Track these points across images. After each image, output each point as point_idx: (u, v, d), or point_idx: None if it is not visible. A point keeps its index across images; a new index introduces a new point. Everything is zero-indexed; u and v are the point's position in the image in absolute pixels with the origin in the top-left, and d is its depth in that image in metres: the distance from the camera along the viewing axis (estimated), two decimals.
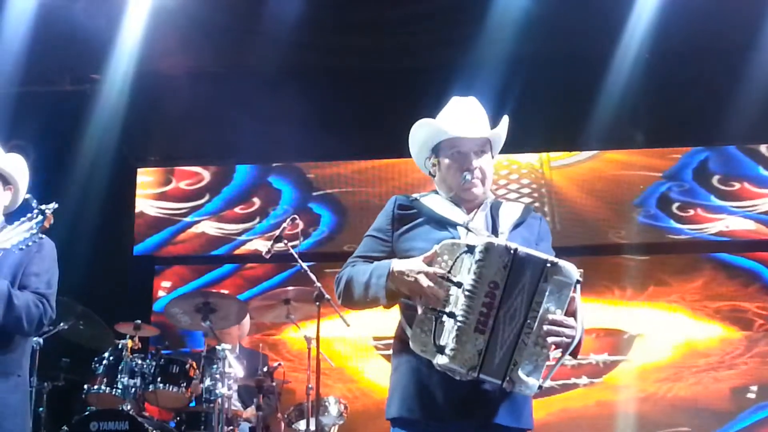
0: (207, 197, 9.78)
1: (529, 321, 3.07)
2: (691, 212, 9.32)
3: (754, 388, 8.99)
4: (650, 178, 9.40)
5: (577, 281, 3.11)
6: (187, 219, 9.74)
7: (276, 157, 9.67)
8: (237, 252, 9.66)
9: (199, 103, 8.78)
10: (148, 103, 8.85)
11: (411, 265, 3.15)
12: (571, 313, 3.14)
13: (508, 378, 3.06)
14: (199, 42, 8.39)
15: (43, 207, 3.69)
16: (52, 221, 3.71)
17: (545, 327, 3.06)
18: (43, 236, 3.90)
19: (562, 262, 3.10)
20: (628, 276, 9.29)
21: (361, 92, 8.78)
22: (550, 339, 3.07)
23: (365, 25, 8.15)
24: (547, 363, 3.13)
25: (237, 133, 8.90)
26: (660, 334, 9.21)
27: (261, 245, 9.26)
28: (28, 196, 3.78)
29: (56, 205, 3.71)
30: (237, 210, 9.74)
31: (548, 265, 3.08)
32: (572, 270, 3.10)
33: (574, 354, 3.15)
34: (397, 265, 3.20)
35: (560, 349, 3.13)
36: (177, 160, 9.74)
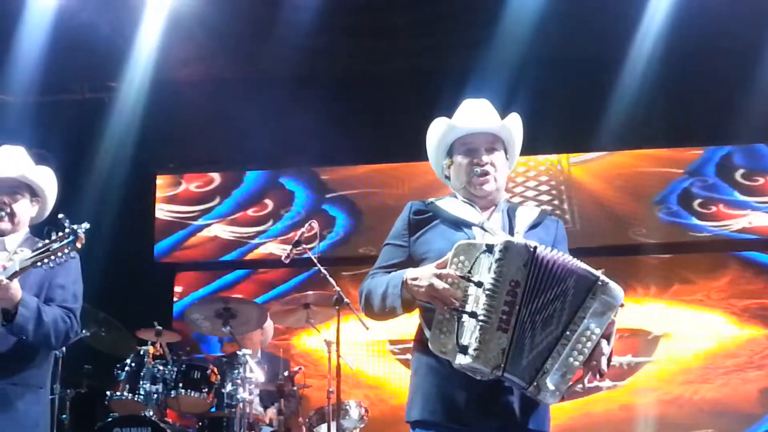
0: (217, 200, 9.76)
1: (568, 333, 3.10)
2: (714, 209, 9.17)
3: None
4: (672, 174, 9.28)
5: (621, 305, 3.15)
6: (198, 222, 9.71)
7: (291, 162, 9.67)
8: (251, 255, 9.64)
9: (215, 110, 8.85)
10: (165, 110, 8.91)
11: (424, 272, 3.17)
12: (607, 336, 3.18)
13: (535, 383, 3.08)
14: (215, 49, 8.44)
15: (75, 227, 3.70)
16: (83, 241, 3.71)
17: (583, 344, 3.10)
18: (75, 255, 3.93)
19: (612, 284, 3.14)
20: (651, 274, 9.13)
21: (374, 96, 8.86)
22: (581, 357, 3.11)
23: (378, 30, 8.19)
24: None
25: (252, 139, 8.91)
26: (685, 335, 9.03)
27: (275, 248, 9.35)
28: (61, 216, 3.77)
29: (88, 225, 3.71)
30: (249, 212, 9.72)
31: (599, 282, 3.13)
32: (620, 293, 3.15)
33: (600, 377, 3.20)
34: (410, 273, 3.22)
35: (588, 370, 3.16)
36: (195, 167, 9.79)
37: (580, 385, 3.17)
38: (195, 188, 9.82)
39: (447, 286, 3.08)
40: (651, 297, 9.08)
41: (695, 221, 9.19)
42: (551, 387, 3.08)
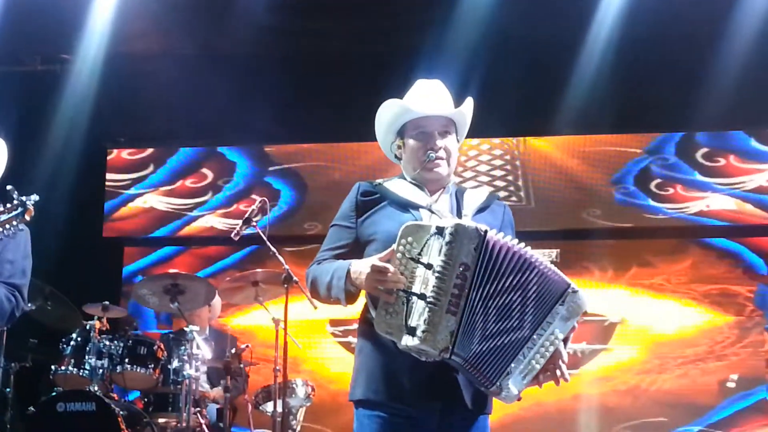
0: (151, 168, 9.57)
1: (535, 337, 3.13)
2: (671, 191, 8.99)
3: (734, 376, 8.62)
4: (631, 154, 9.10)
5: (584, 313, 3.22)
6: (129, 191, 9.52)
7: (244, 139, 9.54)
8: (189, 228, 9.43)
9: (169, 85, 8.73)
10: (119, 84, 8.80)
11: (364, 265, 3.17)
12: (565, 340, 3.23)
13: (498, 384, 3.11)
14: (170, 24, 8.36)
15: (24, 199, 3.64)
16: (32, 214, 3.66)
17: (546, 348, 3.15)
18: (23, 228, 3.88)
19: (581, 292, 3.20)
20: (609, 256, 8.97)
21: (326, 76, 8.81)
22: (543, 360, 3.15)
23: (331, 9, 8.14)
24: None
25: (204, 115, 8.90)
26: (643, 321, 8.82)
27: (216, 222, 9.25)
28: (9, 187, 3.71)
29: (37, 198, 3.66)
30: (187, 183, 9.52)
31: (569, 290, 3.18)
32: (586, 300, 3.21)
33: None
34: (354, 265, 3.23)
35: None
36: (147, 141, 9.66)
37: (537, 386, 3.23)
38: (127, 155, 9.64)
39: (388, 279, 3.09)
40: (608, 281, 8.93)
41: (651, 203, 8.99)
42: (512, 389, 3.12)
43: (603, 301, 8.83)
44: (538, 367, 3.15)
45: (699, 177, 8.98)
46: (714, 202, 8.92)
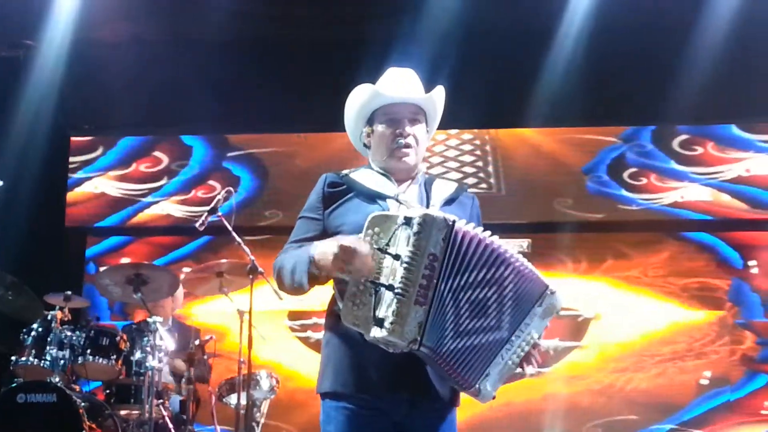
0: (100, 151, 9.32)
1: (513, 338, 3.14)
2: (644, 180, 8.77)
3: (708, 373, 8.40)
4: (604, 142, 8.88)
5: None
6: (77, 175, 9.27)
7: (210, 128, 9.30)
8: (143, 215, 9.15)
9: (135, 72, 8.66)
10: (85, 71, 8.70)
11: (327, 245, 3.15)
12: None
13: (476, 386, 3.12)
14: (139, 10, 8.27)
15: None
16: None
17: (522, 348, 3.17)
18: None
19: (558, 294, 3.21)
20: (582, 246, 8.73)
21: (297, 63, 8.73)
22: (518, 359, 3.17)
23: None
24: None
25: (174, 103, 8.77)
26: (618, 317, 8.55)
27: (173, 209, 9.03)
28: None
29: (2, 183, 3.57)
30: (141, 168, 9.25)
31: (548, 292, 3.20)
32: (561, 303, 3.23)
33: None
34: (316, 249, 3.19)
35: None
36: (111, 129, 9.48)
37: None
38: (75, 137, 9.38)
39: (358, 256, 3.05)
40: (581, 273, 8.68)
41: (624, 193, 8.77)
42: (490, 389, 3.14)
43: (576, 294, 8.57)
44: (513, 367, 3.17)
45: (675, 166, 8.80)
46: (689, 192, 8.74)
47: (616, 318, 8.63)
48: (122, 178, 9.26)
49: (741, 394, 8.38)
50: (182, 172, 9.20)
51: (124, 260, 8.92)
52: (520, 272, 3.15)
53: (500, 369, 3.14)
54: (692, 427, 8.32)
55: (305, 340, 8.53)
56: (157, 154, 9.31)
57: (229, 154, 9.24)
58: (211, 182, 9.03)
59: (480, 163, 8.95)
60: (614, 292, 8.69)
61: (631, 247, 8.79)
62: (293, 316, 8.62)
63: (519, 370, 3.20)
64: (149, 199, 9.20)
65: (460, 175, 8.84)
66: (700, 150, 8.81)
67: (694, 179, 8.74)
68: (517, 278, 3.14)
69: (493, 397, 3.17)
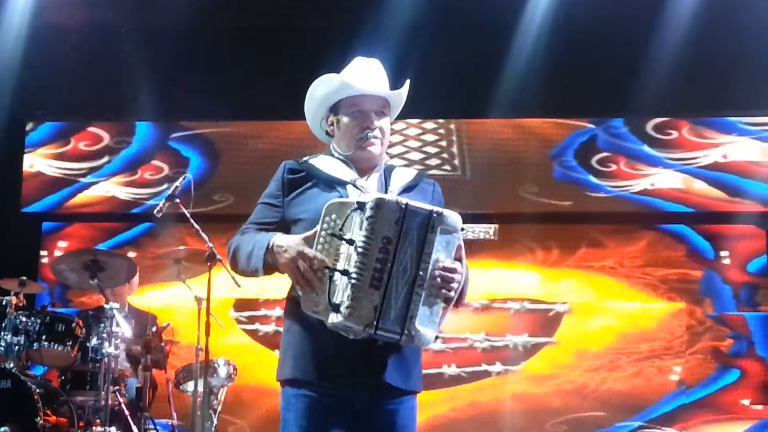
0: (30, 125, 9.12)
1: (421, 273, 3.09)
2: (613, 167, 8.50)
3: (678, 368, 8.13)
4: (574, 126, 8.63)
5: (461, 229, 3.16)
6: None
7: (172, 116, 9.10)
8: (82, 195, 8.88)
9: (95, 59, 8.61)
10: (41, 56, 8.61)
11: (291, 242, 3.17)
12: (458, 259, 3.20)
13: (406, 332, 3.08)
14: None
15: None
16: None
17: (436, 275, 3.11)
18: None
19: (447, 212, 3.14)
20: (553, 235, 8.42)
21: (260, 52, 8.70)
22: (441, 286, 3.11)
23: None
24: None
25: (133, 91, 8.66)
26: (592, 311, 8.25)
27: (116, 190, 8.82)
28: None
29: None
30: (80, 146, 9.00)
31: (434, 215, 3.11)
32: (457, 218, 3.15)
33: (458, 303, 3.20)
34: (277, 239, 3.22)
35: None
36: (67, 115, 9.33)
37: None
38: None
39: (307, 268, 3.08)
40: (551, 263, 8.38)
41: (592, 179, 8.50)
42: (422, 330, 3.09)
43: (547, 286, 8.33)
44: (439, 301, 3.13)
45: (648, 150, 8.56)
46: (659, 179, 8.49)
47: (589, 312, 8.35)
48: (59, 157, 9.02)
49: (711, 390, 8.18)
50: (124, 151, 8.96)
51: (61, 243, 8.85)
52: (417, 214, 3.11)
53: (423, 305, 3.09)
54: (661, 424, 8.11)
55: (253, 334, 8.09)
56: (95, 130, 9.07)
57: (175, 135, 8.99)
58: (155, 162, 8.82)
59: (443, 143, 8.73)
60: (588, 284, 8.38)
61: (605, 234, 8.52)
62: (240, 306, 8.21)
63: (440, 301, 3.14)
64: (88, 179, 8.94)
65: (422, 156, 8.69)
66: (674, 134, 8.59)
67: (668, 165, 8.51)
68: (417, 221, 3.10)
69: (436, 338, 3.13)
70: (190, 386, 6.65)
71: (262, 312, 7.99)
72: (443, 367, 7.72)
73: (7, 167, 9.01)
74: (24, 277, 6.84)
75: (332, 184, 3.38)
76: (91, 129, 9.09)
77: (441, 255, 3.13)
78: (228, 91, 8.64)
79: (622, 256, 8.46)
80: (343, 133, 3.50)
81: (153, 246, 8.59)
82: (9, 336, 6.48)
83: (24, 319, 6.55)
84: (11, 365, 6.36)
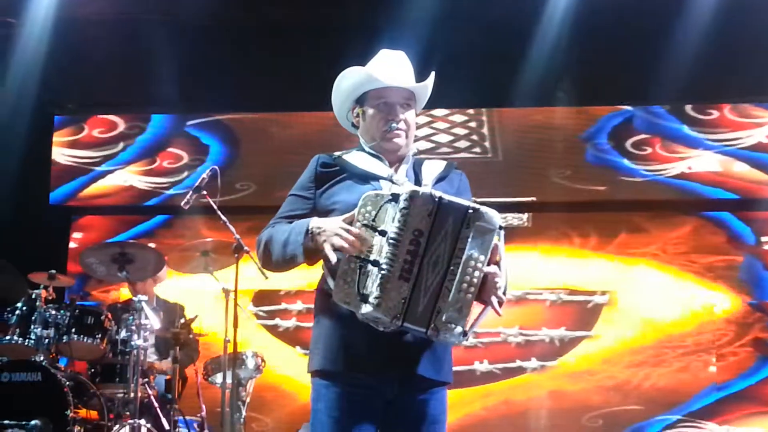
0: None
1: (452, 268, 3.09)
2: (648, 150, 8.18)
3: (714, 359, 7.81)
4: (607, 109, 8.37)
5: (500, 227, 3.15)
6: None
7: (195, 108, 9.08)
8: (97, 185, 8.84)
9: (120, 51, 8.61)
10: (68, 49, 8.64)
11: (330, 222, 3.18)
12: (495, 262, 3.18)
13: (432, 326, 3.07)
14: None
15: None
16: None
17: (470, 275, 3.09)
18: None
19: (484, 208, 3.13)
20: (591, 219, 8.11)
21: (284, 45, 8.68)
22: (473, 288, 3.09)
23: None
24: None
25: (157, 84, 8.66)
26: (633, 302, 7.90)
27: (134, 179, 8.76)
28: None
29: None
30: (95, 133, 8.95)
31: (470, 211, 3.11)
32: (494, 216, 3.14)
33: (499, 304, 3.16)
34: (315, 222, 3.22)
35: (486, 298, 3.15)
36: (95, 108, 9.36)
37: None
38: None
39: (351, 237, 3.07)
40: (590, 249, 8.08)
41: (626, 162, 8.20)
42: (450, 325, 3.08)
43: (585, 275, 8.04)
44: (470, 296, 3.10)
45: (687, 130, 8.25)
46: (697, 163, 8.16)
47: (631, 303, 8.01)
48: (72, 145, 8.99)
49: (752, 382, 7.92)
50: (139, 137, 8.89)
51: (76, 235, 8.88)
52: (453, 209, 3.10)
53: (452, 301, 3.07)
54: (700, 417, 7.85)
55: (272, 330, 7.95)
56: (109, 117, 9.00)
57: (191, 122, 8.90)
58: (174, 149, 8.75)
59: (473, 124, 8.44)
60: (629, 272, 8.06)
61: (647, 219, 8.21)
62: (259, 300, 8.02)
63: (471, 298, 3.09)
64: (103, 167, 8.88)
65: (450, 138, 8.42)
66: (715, 114, 8.25)
67: (708, 146, 8.18)
68: (452, 216, 3.10)
69: (464, 334, 3.10)
70: (218, 378, 6.66)
71: (282, 306, 7.83)
72: (475, 364, 7.55)
73: (35, 160, 9.04)
74: (53, 271, 6.88)
75: (366, 178, 3.40)
76: (105, 115, 9.05)
77: (475, 252, 3.11)
78: (254, 81, 8.64)
79: (665, 242, 8.15)
80: (368, 124, 3.51)
81: (170, 237, 8.57)
82: (39, 329, 6.52)
83: (53, 312, 6.59)
84: (41, 358, 6.41)
